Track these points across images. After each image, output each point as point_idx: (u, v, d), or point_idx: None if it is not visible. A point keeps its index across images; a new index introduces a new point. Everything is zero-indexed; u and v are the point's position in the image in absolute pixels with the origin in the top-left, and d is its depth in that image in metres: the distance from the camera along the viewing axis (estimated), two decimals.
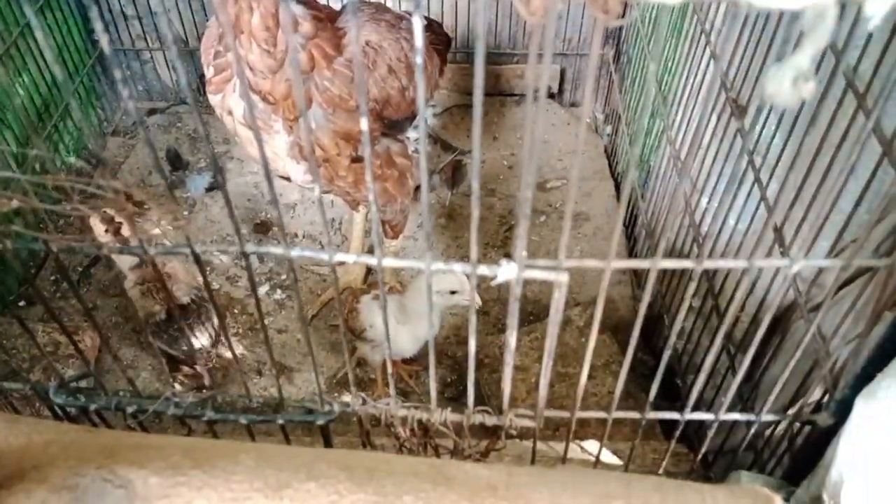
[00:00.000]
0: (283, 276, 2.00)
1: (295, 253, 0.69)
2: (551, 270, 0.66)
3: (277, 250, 0.70)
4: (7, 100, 1.88)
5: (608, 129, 2.37)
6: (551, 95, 2.49)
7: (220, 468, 0.63)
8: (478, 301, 1.35)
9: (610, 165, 2.29)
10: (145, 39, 2.35)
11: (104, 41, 0.52)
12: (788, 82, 0.50)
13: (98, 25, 0.51)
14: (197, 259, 0.69)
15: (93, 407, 0.83)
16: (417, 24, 0.49)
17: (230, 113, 1.36)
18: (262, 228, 2.10)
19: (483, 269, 0.67)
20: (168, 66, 2.40)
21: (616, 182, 2.23)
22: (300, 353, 1.85)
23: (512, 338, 0.71)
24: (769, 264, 0.70)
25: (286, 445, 0.76)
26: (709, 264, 0.68)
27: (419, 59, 0.51)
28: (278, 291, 1.98)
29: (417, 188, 2.06)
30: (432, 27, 1.79)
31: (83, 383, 1.17)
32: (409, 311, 1.48)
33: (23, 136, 1.93)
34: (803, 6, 0.45)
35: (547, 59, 0.51)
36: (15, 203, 0.60)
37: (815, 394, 0.94)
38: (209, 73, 1.37)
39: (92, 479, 0.61)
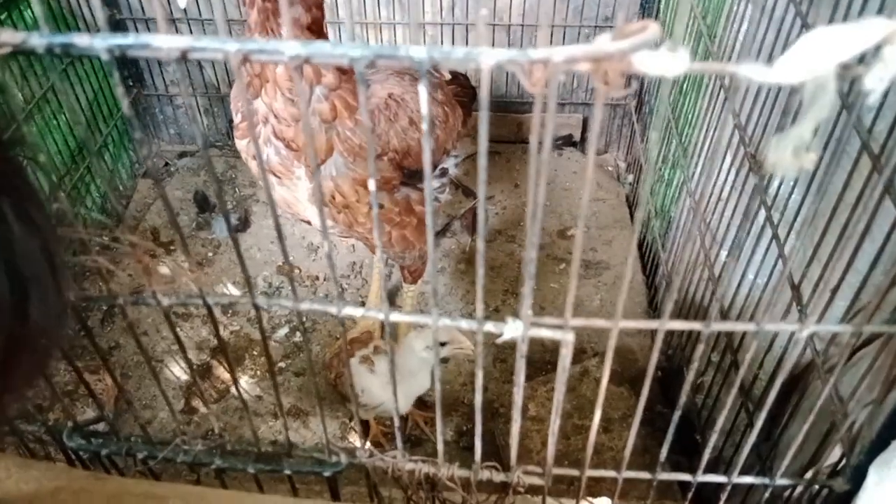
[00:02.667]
0: (304, 318, 2.01)
1: (304, 306, 0.70)
2: (557, 329, 0.66)
3: (287, 303, 0.71)
4: (42, 142, 1.95)
5: (630, 177, 2.38)
6: (573, 143, 2.51)
7: None
8: (469, 350, 1.31)
9: (631, 214, 2.29)
10: (178, 85, 2.43)
11: (125, 104, 0.54)
12: (790, 153, 0.50)
13: (119, 90, 0.53)
14: (209, 310, 0.70)
15: (104, 452, 0.84)
16: (423, 94, 0.51)
17: (255, 158, 1.40)
18: (283, 271, 2.13)
19: (489, 326, 0.67)
20: (199, 111, 2.47)
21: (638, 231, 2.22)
22: (316, 396, 1.85)
23: (518, 395, 0.71)
24: (780, 328, 0.69)
25: (291, 499, 0.76)
26: (717, 327, 0.68)
27: (425, 126, 0.53)
28: (297, 334, 1.99)
29: (439, 233, 2.07)
30: (458, 80, 1.82)
31: (100, 425, 1.18)
32: (399, 368, 1.45)
33: (57, 178, 1.99)
34: (802, 80, 0.46)
35: (550, 126, 0.52)
36: None
37: (833, 457, 0.91)
38: (237, 119, 1.41)
39: None
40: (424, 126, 0.54)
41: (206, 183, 2.40)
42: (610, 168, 2.50)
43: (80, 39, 0.50)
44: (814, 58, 0.46)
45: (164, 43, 0.49)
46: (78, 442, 0.83)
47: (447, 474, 0.83)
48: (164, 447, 0.81)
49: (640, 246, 2.16)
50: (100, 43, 0.49)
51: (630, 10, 2.17)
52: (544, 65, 0.49)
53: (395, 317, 0.69)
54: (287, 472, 0.82)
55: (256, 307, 0.69)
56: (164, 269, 0.72)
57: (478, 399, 0.73)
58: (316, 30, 1.24)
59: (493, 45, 2.27)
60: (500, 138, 2.48)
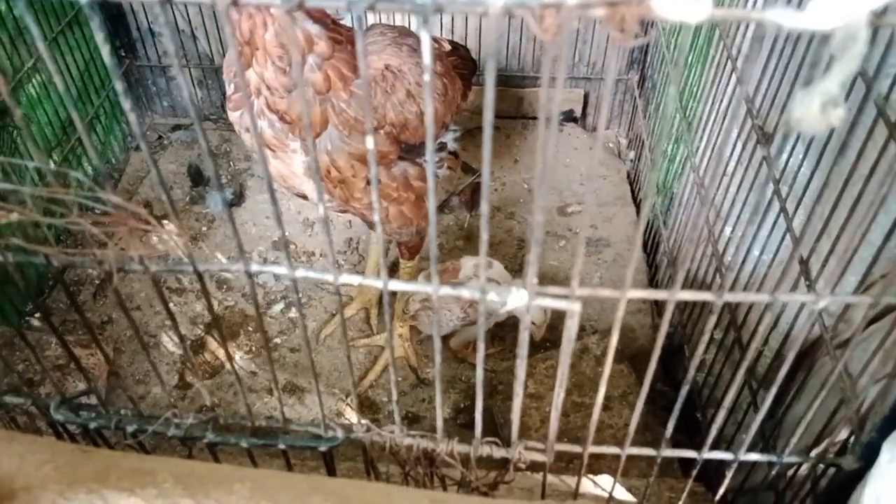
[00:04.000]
0: (299, 294, 1.99)
1: (299, 273, 0.67)
2: (563, 299, 0.63)
3: (282, 270, 0.68)
4: (32, 113, 1.90)
5: (631, 154, 2.35)
6: (574, 119, 2.47)
7: (212, 498, 0.60)
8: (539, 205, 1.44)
9: (632, 191, 2.26)
10: (170, 57, 2.38)
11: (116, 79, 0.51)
12: (816, 108, 0.47)
13: (105, 50, 0.49)
14: (199, 277, 0.67)
15: (93, 425, 0.81)
16: (426, 40, 0.47)
17: (248, 130, 1.36)
18: (279, 246, 2.10)
19: (492, 295, 0.64)
20: (193, 83, 2.42)
21: (638, 208, 2.19)
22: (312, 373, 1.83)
23: (521, 369, 0.69)
24: (794, 299, 0.66)
25: (285, 473, 0.74)
26: (730, 297, 0.65)
27: (427, 77, 0.49)
28: (293, 310, 1.96)
29: (437, 209, 2.03)
30: (458, 52, 1.78)
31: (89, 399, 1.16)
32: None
33: (47, 149, 1.95)
34: (833, 27, 0.43)
35: (561, 80, 0.49)
36: (15, 216, 0.58)
37: (841, 435, 0.89)
38: (230, 90, 1.37)
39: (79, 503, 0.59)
40: (426, 77, 0.51)
41: (199, 156, 2.36)
42: (611, 145, 2.47)
43: None
44: (846, 3, 0.42)
45: None
46: (66, 415, 0.81)
47: (446, 450, 0.81)
48: (154, 421, 0.78)
49: None
50: None
51: None
52: (556, 9, 0.45)
53: (395, 285, 0.66)
54: (282, 446, 0.80)
55: (250, 275, 0.66)
56: (154, 239, 0.69)
57: (479, 372, 0.71)
58: None
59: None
60: (501, 113, 2.43)
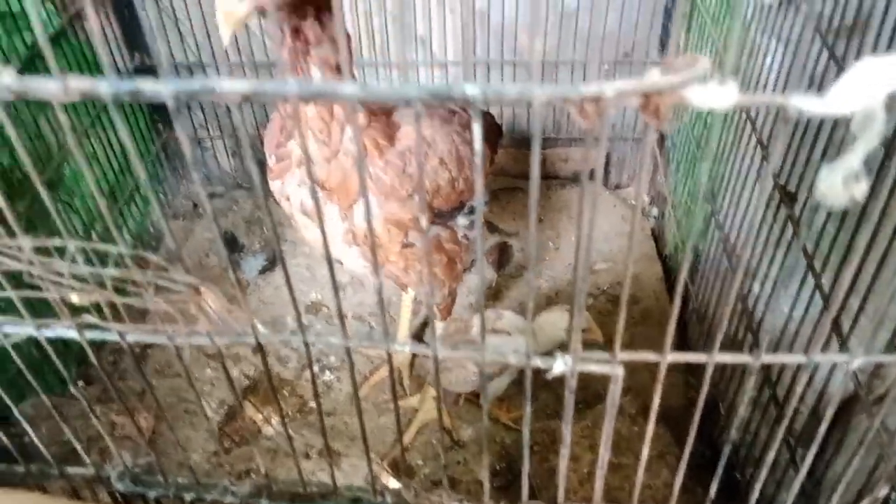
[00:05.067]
0: (332, 358, 2.02)
1: (353, 343, 0.71)
2: (606, 363, 0.66)
3: (336, 340, 0.72)
4: (76, 186, 1.99)
5: (654, 211, 2.38)
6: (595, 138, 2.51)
7: None
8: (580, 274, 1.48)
9: (657, 247, 2.29)
10: (206, 128, 2.48)
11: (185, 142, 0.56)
12: (840, 183, 0.51)
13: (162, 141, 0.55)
14: (260, 348, 0.71)
15: (153, 494, 0.84)
16: (477, 130, 0.52)
17: (288, 199, 1.42)
18: (313, 309, 2.14)
19: (537, 362, 0.67)
20: (227, 153, 2.52)
21: (664, 264, 2.22)
22: (347, 436, 1.85)
23: (567, 432, 0.71)
24: (828, 360, 0.69)
25: None
26: (767, 359, 0.68)
27: (477, 160, 0.54)
28: (326, 373, 1.99)
29: (465, 269, 2.07)
30: (485, 118, 1.85)
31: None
32: (536, 323, 1.72)
33: (89, 221, 2.03)
34: (852, 111, 0.47)
35: (601, 159, 0.53)
36: (96, 296, 0.63)
37: (882, 492, 0.90)
38: (271, 161, 1.44)
39: None
40: (477, 160, 0.55)
41: (234, 224, 2.44)
42: (633, 202, 2.50)
43: (146, 85, 0.52)
44: (864, 88, 0.46)
45: (228, 87, 0.51)
46: (127, 485, 0.84)
47: None
48: (212, 489, 0.81)
49: (667, 279, 2.15)
50: (166, 88, 0.51)
51: (649, 44, 2.20)
52: (596, 100, 0.50)
53: (445, 353, 0.70)
54: None
55: (307, 345, 0.70)
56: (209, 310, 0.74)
57: (525, 434, 0.73)
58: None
59: (514, 81, 2.30)
60: (524, 174, 2.49)
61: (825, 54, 1.12)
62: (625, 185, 2.56)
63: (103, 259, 0.64)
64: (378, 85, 0.50)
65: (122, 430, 1.64)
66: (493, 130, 1.83)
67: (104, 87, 0.51)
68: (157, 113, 2.38)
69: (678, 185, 2.07)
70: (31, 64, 1.80)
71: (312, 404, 1.92)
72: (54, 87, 0.51)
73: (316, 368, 1.98)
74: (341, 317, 0.70)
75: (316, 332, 0.72)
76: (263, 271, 2.24)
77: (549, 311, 1.72)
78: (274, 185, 1.45)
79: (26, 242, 0.59)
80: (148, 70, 2.29)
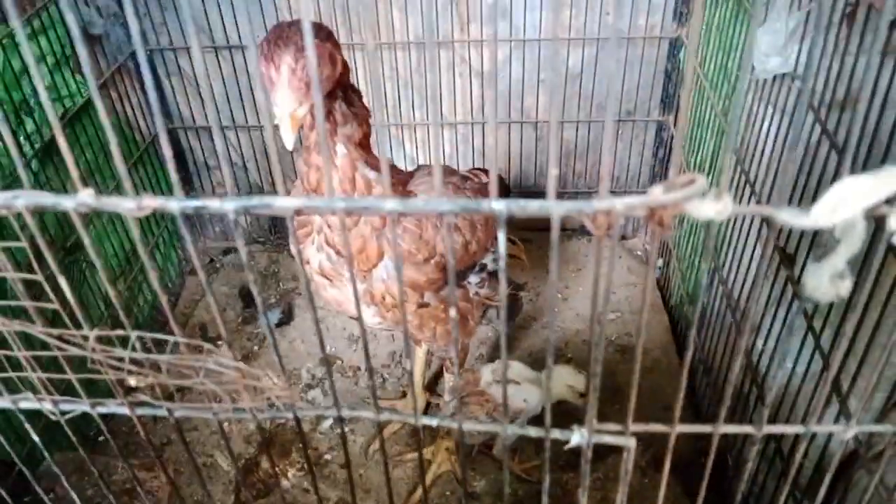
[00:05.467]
0: (344, 411, 2.06)
1: (384, 416, 0.77)
2: (620, 436, 0.71)
3: (369, 414, 0.77)
4: (101, 245, 2.06)
5: (659, 261, 2.44)
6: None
7: None
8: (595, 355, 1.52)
9: (663, 297, 2.35)
10: (224, 185, 2.56)
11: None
12: (826, 281, 0.57)
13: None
14: (298, 422, 0.77)
15: None
16: (502, 239, 0.58)
17: (307, 262, 1.49)
18: (327, 362, 2.20)
19: (556, 434, 0.73)
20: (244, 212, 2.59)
21: (670, 314, 2.27)
22: (362, 489, 1.88)
23: (584, 499, 0.76)
24: (825, 430, 0.74)
25: None
26: (769, 429, 0.73)
27: (501, 264, 0.60)
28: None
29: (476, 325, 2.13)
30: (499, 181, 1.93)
31: None
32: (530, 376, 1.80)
33: (112, 279, 2.10)
34: (833, 224, 0.53)
35: (613, 266, 0.59)
36: (150, 379, 0.69)
37: None
38: (292, 227, 1.51)
39: None
40: (501, 264, 0.62)
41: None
42: (638, 252, 2.57)
43: (212, 203, 0.59)
44: (843, 204, 0.53)
45: (284, 203, 0.58)
46: None
47: None
48: None
49: (673, 330, 2.21)
50: (229, 205, 0.58)
51: (651, 103, 2.29)
52: (607, 213, 0.56)
53: (469, 426, 0.75)
54: None
55: (341, 419, 0.76)
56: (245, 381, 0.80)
57: (544, 501, 0.78)
58: (365, 144, 1.34)
59: (521, 140, 2.39)
60: (533, 227, 2.56)
61: (818, 127, 1.19)
62: (630, 237, 2.62)
63: (158, 343, 0.71)
64: (415, 201, 0.57)
65: (146, 484, 1.69)
66: (502, 191, 1.91)
67: (174, 204, 0.58)
68: (180, 173, 2.46)
69: (682, 238, 2.14)
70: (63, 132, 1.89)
71: (327, 457, 1.97)
72: (130, 205, 0.58)
73: (330, 421, 2.03)
74: (374, 395, 0.75)
75: (350, 406, 0.77)
76: (279, 325, 2.30)
77: (557, 366, 1.78)
78: (294, 250, 1.52)
79: (92, 333, 0.65)
80: (172, 133, 2.39)
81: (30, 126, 1.81)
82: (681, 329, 2.16)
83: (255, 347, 2.24)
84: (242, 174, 2.52)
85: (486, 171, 1.98)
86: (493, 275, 1.79)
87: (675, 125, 2.26)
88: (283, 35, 1.11)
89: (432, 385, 2.14)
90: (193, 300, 2.42)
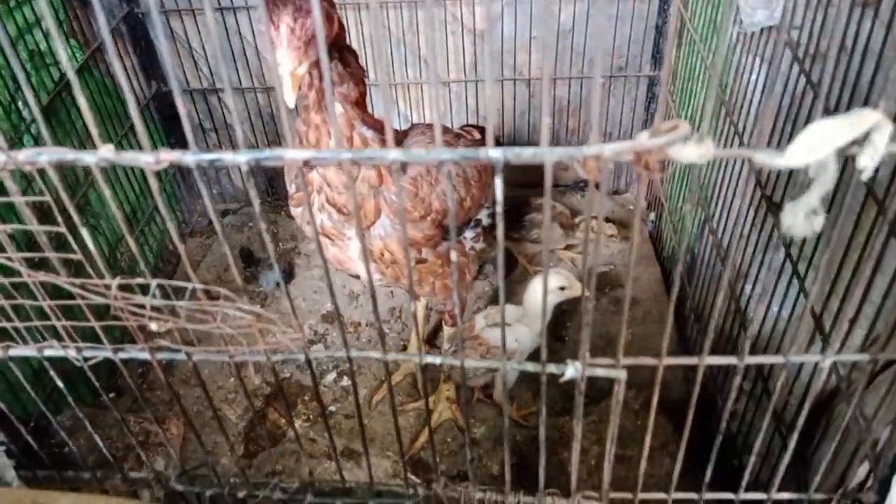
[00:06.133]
0: (348, 364, 2.13)
1: (390, 357, 0.82)
2: (611, 369, 0.77)
3: (376, 355, 0.82)
4: (102, 209, 2.10)
5: (652, 215, 2.49)
6: (597, 185, 2.62)
7: None
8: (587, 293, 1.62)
9: (656, 250, 2.40)
10: (220, 148, 2.58)
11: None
12: (802, 217, 0.61)
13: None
14: (310, 365, 0.82)
15: (209, 493, 0.95)
16: (499, 185, 0.62)
17: (309, 223, 1.52)
18: (329, 318, 2.25)
19: (552, 368, 0.78)
20: (240, 170, 2.62)
21: (662, 266, 2.32)
22: (367, 437, 1.95)
23: (578, 428, 0.82)
24: (804, 360, 0.79)
25: None
26: (750, 360, 0.78)
27: (499, 209, 0.64)
28: (345, 378, 2.10)
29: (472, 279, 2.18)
30: (483, 132, 1.95)
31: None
32: (527, 307, 1.86)
33: (114, 241, 2.14)
34: (806, 163, 0.57)
35: (604, 207, 0.63)
36: (170, 324, 0.74)
37: (861, 473, 1.00)
38: (291, 189, 1.54)
39: None
40: (499, 209, 0.66)
41: (249, 239, 2.54)
42: (632, 207, 2.61)
43: (226, 156, 0.62)
44: (816, 145, 0.57)
45: (293, 155, 0.62)
46: (185, 485, 0.94)
47: (514, 501, 0.93)
48: (263, 487, 0.92)
49: (665, 280, 2.26)
50: (242, 158, 0.62)
51: (643, 59, 2.31)
52: (596, 158, 0.61)
53: (471, 363, 0.80)
54: None
55: (350, 360, 0.81)
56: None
57: (541, 431, 0.84)
58: (361, 103, 1.37)
59: (514, 97, 2.41)
60: (528, 184, 2.60)
61: (803, 78, 1.22)
62: (623, 191, 2.66)
63: (177, 291, 0.75)
64: (418, 151, 0.61)
65: (156, 437, 1.75)
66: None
67: (189, 158, 0.62)
68: (173, 135, 2.48)
69: (673, 190, 2.18)
70: (59, 96, 1.91)
71: (331, 408, 2.03)
72: (148, 158, 0.62)
73: (335, 374, 2.09)
74: (343, 327, 0.80)
75: (359, 348, 0.82)
76: (280, 284, 2.34)
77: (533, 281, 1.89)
78: (296, 212, 1.56)
79: (115, 282, 0.70)
80: (164, 96, 2.40)
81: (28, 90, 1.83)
82: (672, 279, 2.21)
83: (258, 306, 2.29)
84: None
85: (478, 128, 2.01)
86: (487, 230, 1.83)
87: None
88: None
89: (431, 338, 2.20)
90: (195, 261, 2.46)
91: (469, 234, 1.74)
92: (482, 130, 1.98)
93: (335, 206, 1.44)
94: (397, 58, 2.33)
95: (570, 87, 2.36)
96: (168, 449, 1.79)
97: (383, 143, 1.40)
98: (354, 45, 2.24)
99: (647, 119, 2.46)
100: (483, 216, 1.80)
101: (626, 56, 2.29)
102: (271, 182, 2.66)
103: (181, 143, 2.54)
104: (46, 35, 1.89)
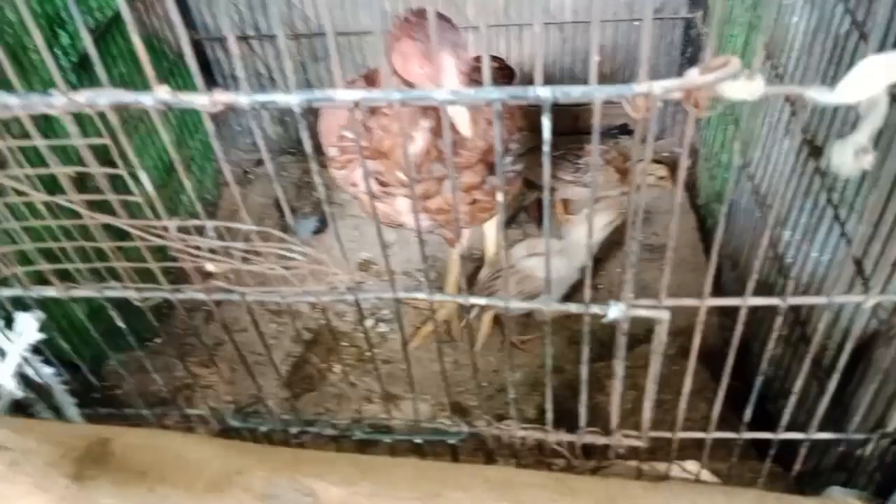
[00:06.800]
0: (385, 311, 2.17)
1: (437, 297, 0.84)
2: (654, 309, 0.78)
3: (421, 295, 0.85)
4: (140, 157, 2.13)
5: (687, 162, 2.46)
6: (629, 132, 2.60)
7: (384, 480, 0.77)
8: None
9: (691, 198, 2.38)
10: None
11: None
12: (850, 156, 0.61)
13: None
14: (358, 306, 0.84)
15: (263, 429, 0.99)
16: (546, 124, 0.63)
17: (353, 185, 1.57)
18: (364, 266, 2.29)
19: (595, 309, 0.79)
20: (273, 121, 2.64)
21: (697, 214, 2.31)
22: (405, 381, 1.99)
23: (620, 368, 0.84)
24: (847, 300, 0.80)
25: (430, 461, 0.90)
26: (793, 301, 0.79)
27: (545, 148, 0.65)
28: (381, 325, 2.14)
29: (507, 223, 2.19)
30: (498, 60, 1.97)
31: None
32: (568, 241, 1.92)
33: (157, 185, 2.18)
34: (858, 100, 0.57)
35: (649, 150, 0.64)
36: (226, 266, 0.76)
37: None
38: (333, 152, 1.58)
39: (285, 488, 0.77)
40: (546, 148, 0.67)
41: (283, 188, 2.57)
42: (666, 154, 2.58)
43: (279, 97, 0.64)
44: (868, 81, 0.57)
45: (343, 95, 0.63)
46: (241, 421, 0.99)
47: (555, 439, 0.96)
48: (315, 423, 0.95)
49: (700, 229, 2.25)
50: (294, 99, 0.63)
51: (679, 1, 2.26)
52: (646, 97, 0.61)
53: (515, 304, 0.82)
54: (418, 440, 0.96)
55: (398, 301, 0.83)
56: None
57: (584, 371, 0.86)
58: None
59: (547, 42, 2.38)
60: (558, 131, 2.57)
61: (848, 17, 1.19)
62: (657, 137, 2.63)
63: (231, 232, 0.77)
64: (466, 91, 0.61)
65: (203, 379, 1.81)
66: (505, 73, 1.94)
67: (243, 99, 0.64)
68: (209, 82, 2.49)
69: (709, 137, 2.15)
70: (99, 41, 1.93)
71: (369, 353, 2.08)
72: (203, 100, 0.64)
73: (372, 321, 2.13)
74: (390, 270, 0.82)
75: (405, 288, 0.84)
76: (316, 232, 2.38)
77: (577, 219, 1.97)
78: (339, 174, 1.60)
79: (173, 223, 0.72)
80: (197, 44, 2.41)
81: (64, 39, 1.85)
82: (708, 228, 2.20)
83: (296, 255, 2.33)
84: (270, 85, 2.54)
85: (492, 58, 2.01)
86: (519, 156, 1.85)
87: (703, 21, 2.23)
88: (438, 32, 1.20)
89: (471, 281, 2.23)
90: (232, 210, 2.50)
91: (507, 159, 1.78)
92: (495, 58, 1.99)
93: (383, 154, 1.46)
94: (428, 1, 2.31)
95: (604, 31, 2.32)
96: (216, 391, 1.86)
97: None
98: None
99: (684, 63, 2.41)
100: (515, 146, 1.82)
101: None
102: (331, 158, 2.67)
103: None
104: None
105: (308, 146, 0.69)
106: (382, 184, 1.51)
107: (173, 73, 2.29)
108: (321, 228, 2.39)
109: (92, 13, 1.96)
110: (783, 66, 1.52)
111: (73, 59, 1.84)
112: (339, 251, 2.18)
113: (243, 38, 2.44)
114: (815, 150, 1.32)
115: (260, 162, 2.71)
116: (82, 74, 1.89)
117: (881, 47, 1.12)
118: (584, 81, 2.17)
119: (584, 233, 1.85)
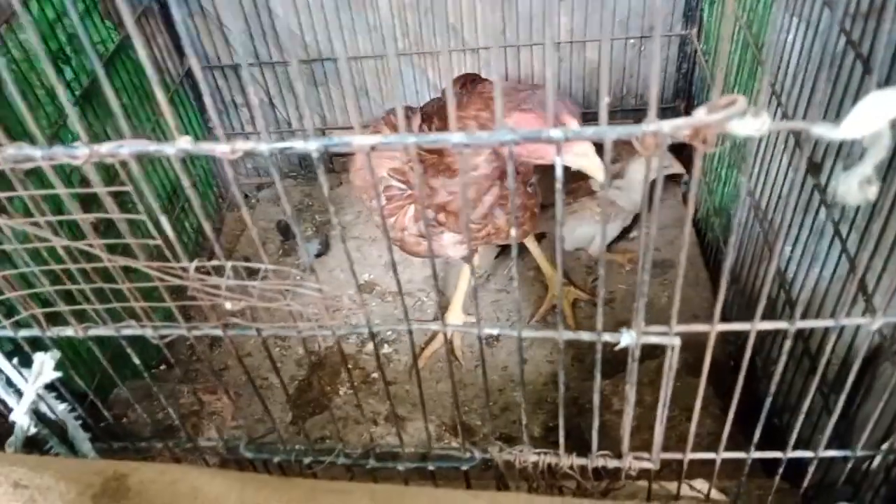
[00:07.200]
0: (389, 332, 2.18)
1: (449, 328, 0.85)
2: (665, 336, 0.79)
3: (435, 327, 0.86)
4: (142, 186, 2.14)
5: (686, 177, 2.48)
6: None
7: None
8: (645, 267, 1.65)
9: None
10: (253, 124, 2.62)
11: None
12: (855, 186, 0.63)
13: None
14: (373, 337, 0.86)
15: (276, 459, 1.00)
16: (559, 164, 0.65)
17: (403, 230, 1.64)
18: (367, 288, 2.30)
19: (606, 337, 0.81)
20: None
21: (697, 228, 2.33)
22: (410, 403, 2.01)
23: (631, 393, 0.85)
24: (852, 322, 0.81)
25: (444, 490, 0.91)
26: (800, 324, 0.81)
27: (558, 186, 0.67)
28: (385, 346, 2.15)
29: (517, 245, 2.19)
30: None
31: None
32: (628, 179, 2.22)
33: (154, 220, 2.19)
34: (862, 135, 0.59)
35: (659, 184, 0.66)
36: (243, 303, 0.78)
37: None
38: (379, 203, 1.64)
39: None
40: (558, 186, 0.68)
41: (285, 212, 2.59)
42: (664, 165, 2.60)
43: (297, 143, 0.65)
44: (872, 116, 0.58)
45: (360, 141, 0.65)
46: (254, 452, 1.00)
47: (567, 463, 0.97)
48: (327, 453, 0.96)
49: (700, 243, 2.27)
50: (313, 145, 0.65)
51: (674, 17, 2.29)
52: (655, 135, 0.63)
53: (528, 333, 0.83)
54: (431, 468, 0.97)
55: (411, 332, 0.84)
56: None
57: (596, 398, 0.87)
58: None
59: (543, 62, 2.40)
60: None
61: (843, 37, 1.22)
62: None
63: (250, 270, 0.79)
64: (479, 134, 0.63)
65: (209, 407, 1.82)
66: None
67: (263, 147, 0.65)
68: (207, 112, 2.52)
69: (707, 152, 2.17)
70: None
71: (374, 375, 2.09)
72: (224, 148, 0.65)
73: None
74: (440, 306, 0.83)
75: (417, 321, 0.86)
76: (318, 255, 2.39)
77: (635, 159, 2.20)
78: (388, 220, 1.67)
79: (192, 264, 0.74)
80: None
81: (68, 74, 1.87)
82: (707, 241, 2.22)
83: (298, 278, 2.34)
84: (270, 112, 2.56)
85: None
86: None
87: (698, 39, 2.26)
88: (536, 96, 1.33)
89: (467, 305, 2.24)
90: (234, 235, 2.51)
91: (533, 178, 1.88)
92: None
93: (450, 212, 1.53)
94: (425, 26, 2.33)
95: (599, 49, 2.35)
96: (222, 416, 1.87)
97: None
98: (383, 14, 2.25)
99: (679, 79, 2.44)
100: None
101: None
102: (303, 156, 2.69)
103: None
104: (82, 16, 1.92)
105: (326, 190, 0.71)
106: (433, 226, 1.61)
107: (173, 101, 2.31)
108: (323, 251, 2.40)
109: (94, 46, 1.98)
110: (780, 86, 1.55)
111: (77, 93, 1.86)
112: (342, 274, 2.18)
113: (234, 67, 2.47)
114: (814, 167, 1.34)
115: (260, 187, 2.73)
116: (86, 107, 1.91)
117: (886, 82, 1.14)
118: (581, 99, 2.19)
119: (641, 170, 2.14)
